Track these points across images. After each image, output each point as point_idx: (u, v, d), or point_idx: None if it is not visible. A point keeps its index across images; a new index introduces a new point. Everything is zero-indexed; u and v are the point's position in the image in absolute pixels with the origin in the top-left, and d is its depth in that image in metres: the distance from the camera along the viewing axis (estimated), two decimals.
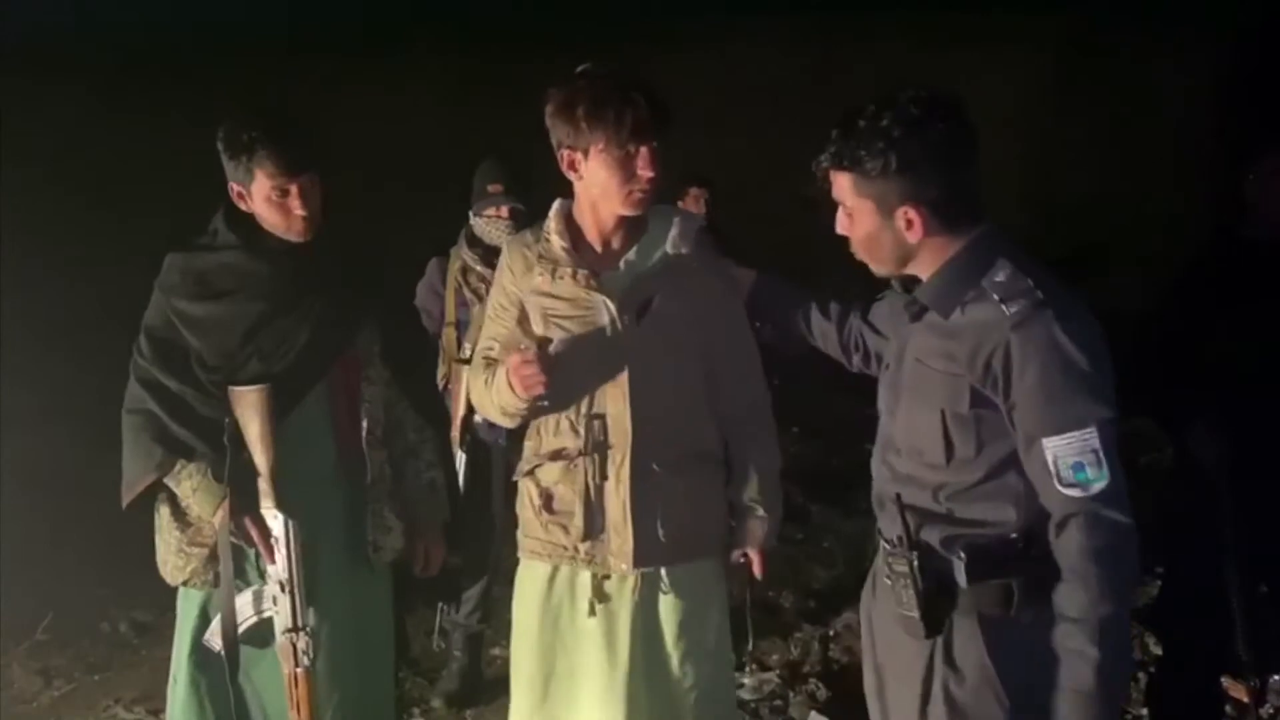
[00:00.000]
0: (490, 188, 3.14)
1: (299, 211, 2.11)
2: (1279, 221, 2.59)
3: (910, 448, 1.69)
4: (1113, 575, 1.54)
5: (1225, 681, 2.86)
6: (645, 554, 2.05)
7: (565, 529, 2.07)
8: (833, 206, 1.71)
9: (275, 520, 2.09)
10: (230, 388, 2.09)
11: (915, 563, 1.61)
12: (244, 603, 2.14)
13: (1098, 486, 1.53)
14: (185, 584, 2.19)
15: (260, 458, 2.08)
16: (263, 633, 2.16)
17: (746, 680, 3.52)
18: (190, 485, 2.12)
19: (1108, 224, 7.52)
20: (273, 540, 2.09)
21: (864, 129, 1.59)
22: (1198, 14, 7.14)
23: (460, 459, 3.07)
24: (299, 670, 2.09)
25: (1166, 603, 2.91)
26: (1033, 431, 1.56)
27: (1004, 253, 1.62)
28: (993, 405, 1.58)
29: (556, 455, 2.08)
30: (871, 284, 1.84)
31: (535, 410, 2.07)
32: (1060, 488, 1.54)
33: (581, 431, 2.05)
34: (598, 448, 2.04)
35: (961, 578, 1.61)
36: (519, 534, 2.17)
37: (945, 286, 1.64)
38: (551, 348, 1.99)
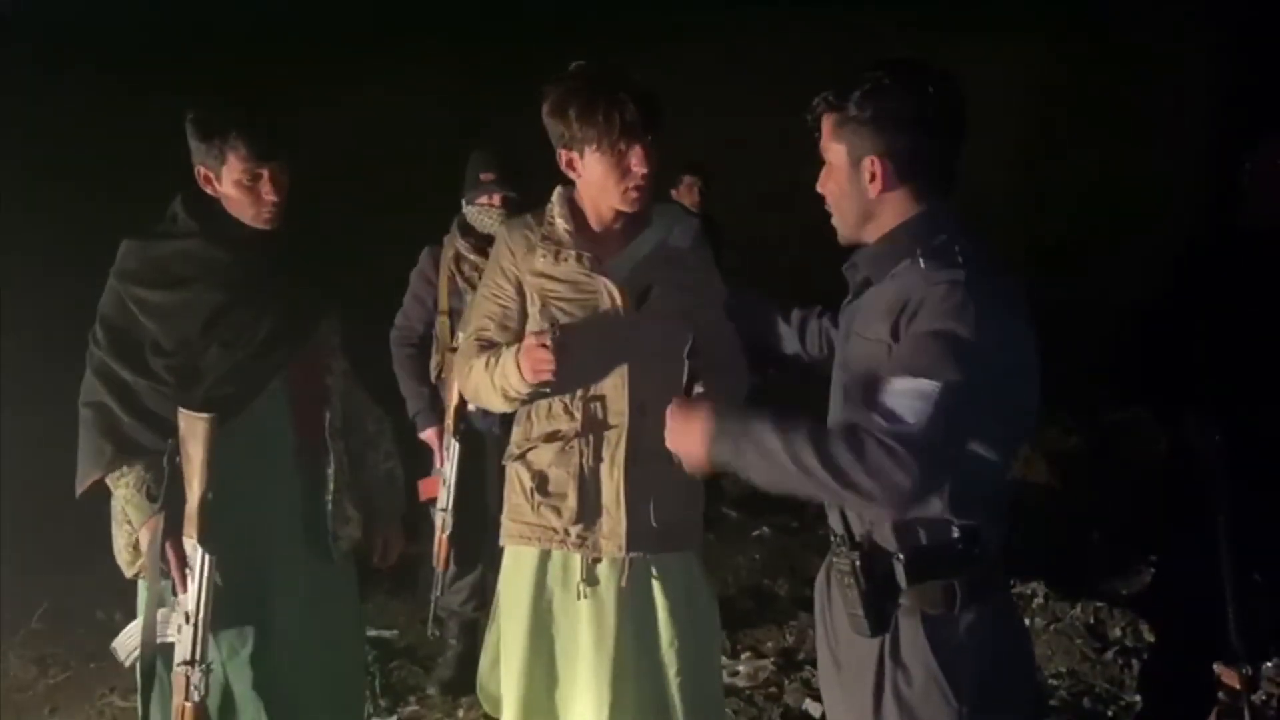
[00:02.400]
0: (483, 176, 3.14)
1: (269, 197, 2.10)
2: (1274, 209, 2.59)
3: None
4: (855, 468, 1.44)
5: (1218, 668, 2.87)
6: (637, 538, 2.07)
7: (557, 511, 2.09)
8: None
9: (194, 551, 2.06)
10: (180, 410, 2.06)
11: (858, 563, 1.61)
12: (158, 620, 2.10)
13: (904, 428, 1.44)
14: (138, 576, 2.18)
15: (194, 485, 2.05)
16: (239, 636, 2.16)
17: (742, 667, 3.54)
18: (124, 494, 2.11)
19: (1104, 213, 7.52)
20: (187, 570, 2.06)
21: (859, 75, 1.62)
22: (1195, 3, 7.13)
23: (454, 448, 3.07)
24: (187, 705, 2.05)
25: (1160, 590, 2.92)
26: (891, 367, 1.51)
27: (947, 229, 1.62)
28: None
29: (551, 438, 2.09)
30: None
31: (533, 395, 2.07)
32: (871, 411, 1.47)
33: (578, 414, 2.07)
34: (594, 429, 2.06)
35: (901, 579, 1.60)
36: (504, 519, 2.18)
37: (882, 254, 1.65)
38: (563, 335, 1.99)
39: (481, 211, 3.13)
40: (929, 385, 1.47)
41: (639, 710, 2.11)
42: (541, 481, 2.10)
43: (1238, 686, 2.81)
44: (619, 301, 2.04)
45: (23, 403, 4.48)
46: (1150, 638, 3.45)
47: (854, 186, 1.65)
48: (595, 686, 2.09)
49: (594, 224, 2.10)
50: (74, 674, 3.67)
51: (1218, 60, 7.41)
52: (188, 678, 2.05)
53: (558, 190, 2.13)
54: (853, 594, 1.63)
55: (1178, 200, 6.51)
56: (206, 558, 2.05)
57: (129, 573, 2.19)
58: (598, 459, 2.07)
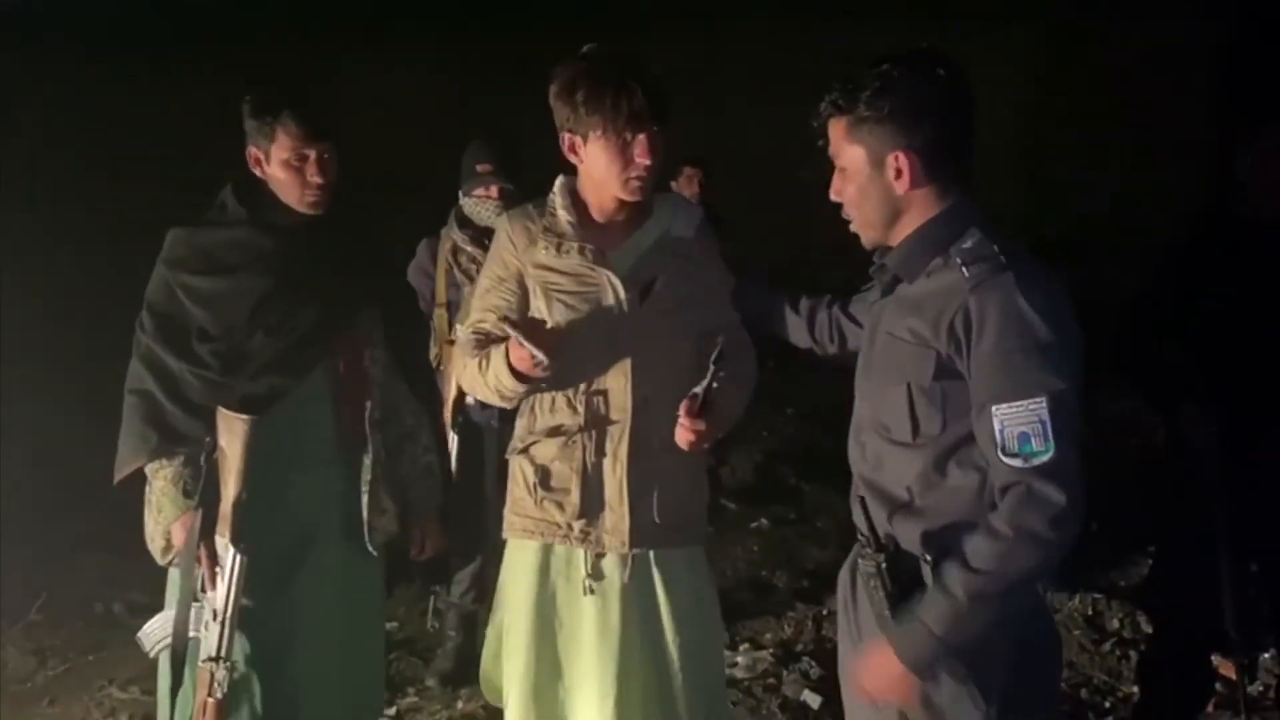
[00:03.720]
0: (479, 168, 3.12)
1: (315, 179, 2.11)
2: (1272, 200, 2.59)
3: (878, 424, 1.67)
4: (1030, 549, 1.49)
5: (1215, 659, 2.87)
6: (640, 533, 2.06)
7: (560, 506, 2.07)
8: (826, 188, 1.69)
9: (225, 551, 2.07)
10: (220, 409, 2.07)
11: (884, 565, 1.60)
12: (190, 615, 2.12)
13: (1040, 459, 1.48)
14: (171, 564, 2.18)
15: (230, 486, 2.07)
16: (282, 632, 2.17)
17: (740, 659, 3.54)
18: (160, 486, 2.12)
19: (1103, 205, 7.52)
20: (218, 569, 2.07)
21: (863, 74, 1.58)
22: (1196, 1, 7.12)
23: (452, 440, 3.07)
24: (210, 700, 2.07)
25: (1157, 581, 2.93)
26: (984, 398, 1.52)
27: (976, 222, 1.60)
28: (958, 376, 1.56)
29: (554, 432, 2.07)
30: (860, 261, 1.83)
31: (532, 389, 2.05)
32: (1003, 457, 1.50)
33: (581, 408, 2.04)
34: (597, 424, 2.04)
35: (929, 580, 1.58)
36: (507, 512, 2.17)
37: (913, 253, 1.63)
38: (554, 328, 1.97)
39: (478, 203, 3.12)
40: (1036, 403, 1.48)
41: (643, 705, 2.10)
42: (544, 476, 2.08)
43: (1235, 677, 2.82)
44: (622, 295, 2.01)
45: (23, 396, 4.48)
46: (1148, 629, 3.45)
47: (878, 187, 1.61)
48: (599, 680, 2.08)
49: (596, 215, 2.07)
50: (72, 666, 3.67)
51: (1215, 49, 7.40)
52: (212, 674, 2.06)
53: (559, 180, 2.10)
54: (879, 596, 1.61)
55: (1178, 198, 6.50)
56: (238, 558, 2.06)
57: (161, 561, 2.19)
58: (600, 454, 2.05)
